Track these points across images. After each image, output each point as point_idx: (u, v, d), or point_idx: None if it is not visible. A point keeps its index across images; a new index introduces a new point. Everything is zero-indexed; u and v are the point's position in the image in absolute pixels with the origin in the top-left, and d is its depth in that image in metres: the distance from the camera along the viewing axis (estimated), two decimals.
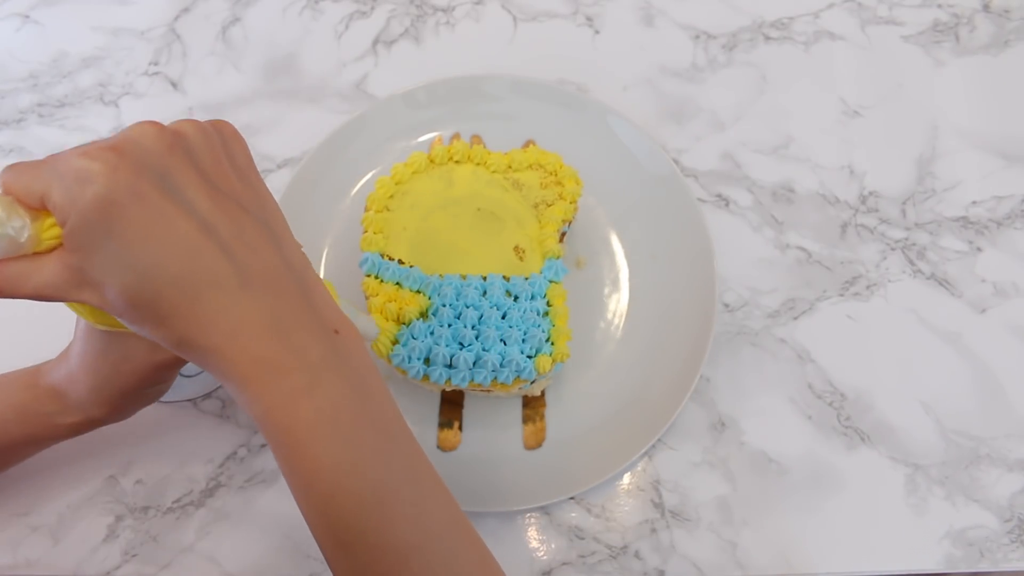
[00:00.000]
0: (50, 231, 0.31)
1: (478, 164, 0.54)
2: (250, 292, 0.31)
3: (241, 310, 0.30)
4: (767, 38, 0.66)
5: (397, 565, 0.32)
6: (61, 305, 0.34)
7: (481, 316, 0.48)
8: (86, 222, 0.29)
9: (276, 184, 0.59)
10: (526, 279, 0.50)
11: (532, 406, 0.53)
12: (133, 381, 0.40)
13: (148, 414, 0.52)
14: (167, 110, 0.62)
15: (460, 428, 0.52)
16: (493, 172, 0.54)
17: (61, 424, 0.43)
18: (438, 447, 0.52)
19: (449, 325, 0.48)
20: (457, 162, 0.54)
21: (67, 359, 0.42)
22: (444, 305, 0.49)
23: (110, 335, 0.39)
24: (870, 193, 0.61)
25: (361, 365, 0.33)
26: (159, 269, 0.29)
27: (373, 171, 0.59)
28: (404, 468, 0.33)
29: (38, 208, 0.30)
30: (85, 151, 0.29)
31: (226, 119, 0.59)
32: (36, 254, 0.31)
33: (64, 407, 0.42)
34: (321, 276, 0.56)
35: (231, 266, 0.30)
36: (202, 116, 0.60)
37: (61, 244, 0.30)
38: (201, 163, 0.32)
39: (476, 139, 0.60)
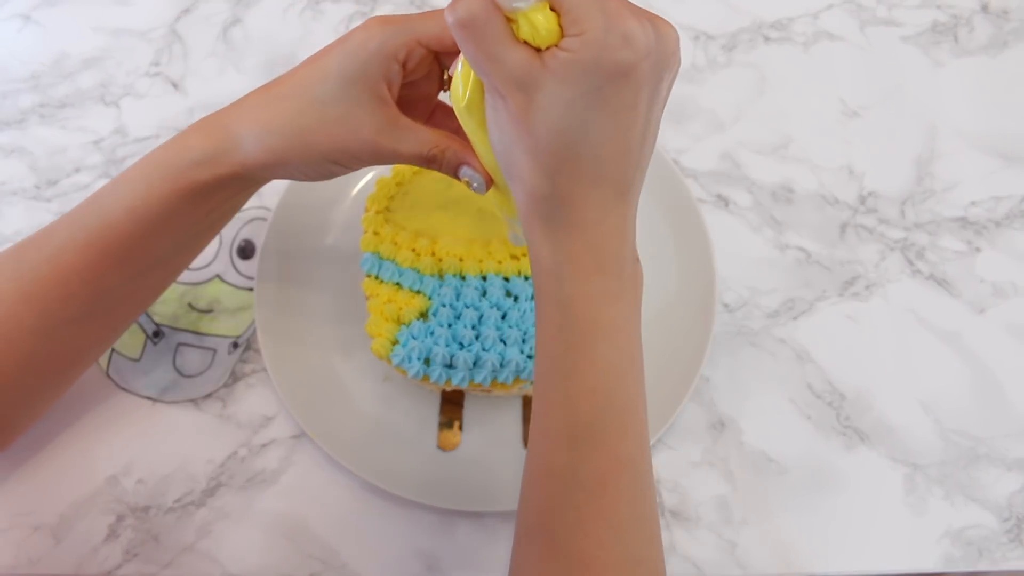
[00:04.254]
0: (548, 24, 0.30)
1: None
2: (626, 201, 0.34)
3: (614, 212, 0.34)
4: (767, 39, 0.67)
5: (615, 472, 0.35)
6: None
7: (481, 316, 0.49)
8: (594, 66, 0.30)
9: (277, 185, 0.59)
10: (526, 279, 0.50)
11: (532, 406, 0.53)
12: (327, 144, 0.39)
13: (148, 414, 0.53)
14: (168, 111, 0.63)
15: (460, 428, 0.52)
16: None
17: (204, 172, 0.40)
18: (438, 447, 0.52)
19: (449, 325, 0.48)
20: None
21: (264, 99, 0.40)
22: (444, 305, 0.49)
23: (362, 95, 0.38)
24: (869, 193, 0.61)
25: (641, 293, 0.37)
26: (599, 141, 0.32)
27: (373, 171, 0.59)
28: (642, 394, 0.37)
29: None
30: (639, 16, 0.31)
31: None
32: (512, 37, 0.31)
33: (218, 149, 0.40)
34: (321, 278, 0.56)
35: (634, 175, 0.34)
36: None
37: (540, 48, 0.31)
38: (668, 86, 0.34)
39: None
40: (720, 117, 0.63)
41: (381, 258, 0.50)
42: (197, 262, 0.57)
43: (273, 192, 0.59)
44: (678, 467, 0.52)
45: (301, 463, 0.52)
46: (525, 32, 0.30)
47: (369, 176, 0.59)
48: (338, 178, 0.58)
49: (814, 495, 0.52)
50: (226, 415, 0.53)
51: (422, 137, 0.40)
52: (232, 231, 0.58)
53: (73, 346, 0.45)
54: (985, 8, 0.68)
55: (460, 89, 0.36)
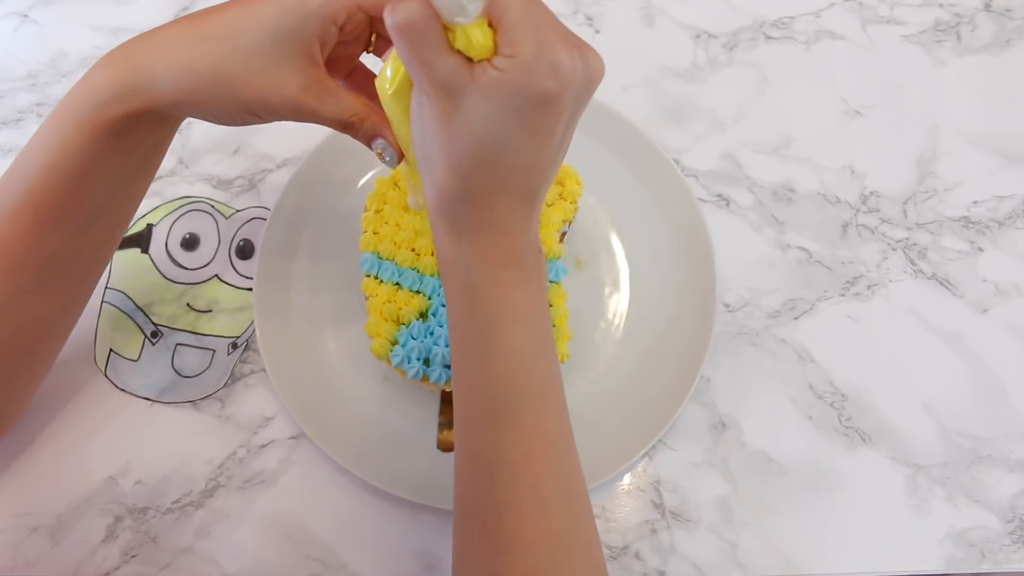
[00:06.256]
0: (484, 40, 0.31)
1: None
2: (531, 206, 0.36)
3: (518, 214, 0.36)
4: (768, 38, 0.66)
5: (537, 450, 0.37)
6: None
7: None
8: (520, 89, 0.31)
9: (276, 184, 0.59)
10: None
11: None
12: (248, 94, 0.38)
13: (147, 415, 0.52)
14: None
15: None
16: None
17: (114, 111, 0.39)
18: (438, 447, 0.52)
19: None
20: None
21: (186, 36, 0.39)
22: (443, 305, 0.49)
23: (298, 50, 0.38)
24: (871, 193, 0.61)
25: (546, 282, 0.39)
26: (514, 154, 0.33)
27: (373, 171, 0.59)
28: (557, 374, 0.39)
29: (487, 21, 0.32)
30: (570, 46, 0.32)
31: None
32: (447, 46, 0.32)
33: (127, 85, 0.38)
34: (320, 278, 0.56)
35: (541, 185, 0.36)
36: None
37: (473, 59, 0.32)
38: (584, 106, 0.35)
39: None
40: (721, 117, 0.63)
41: (380, 258, 0.50)
42: (196, 262, 0.57)
43: (272, 192, 0.59)
44: (679, 468, 0.52)
45: (300, 464, 0.52)
46: (460, 42, 0.31)
47: (368, 175, 0.59)
48: (337, 177, 0.58)
49: (815, 496, 0.51)
50: (225, 415, 0.53)
51: (344, 103, 0.40)
52: (231, 231, 0.58)
53: (35, 318, 0.44)
54: (987, 6, 0.68)
55: (389, 77, 0.37)
